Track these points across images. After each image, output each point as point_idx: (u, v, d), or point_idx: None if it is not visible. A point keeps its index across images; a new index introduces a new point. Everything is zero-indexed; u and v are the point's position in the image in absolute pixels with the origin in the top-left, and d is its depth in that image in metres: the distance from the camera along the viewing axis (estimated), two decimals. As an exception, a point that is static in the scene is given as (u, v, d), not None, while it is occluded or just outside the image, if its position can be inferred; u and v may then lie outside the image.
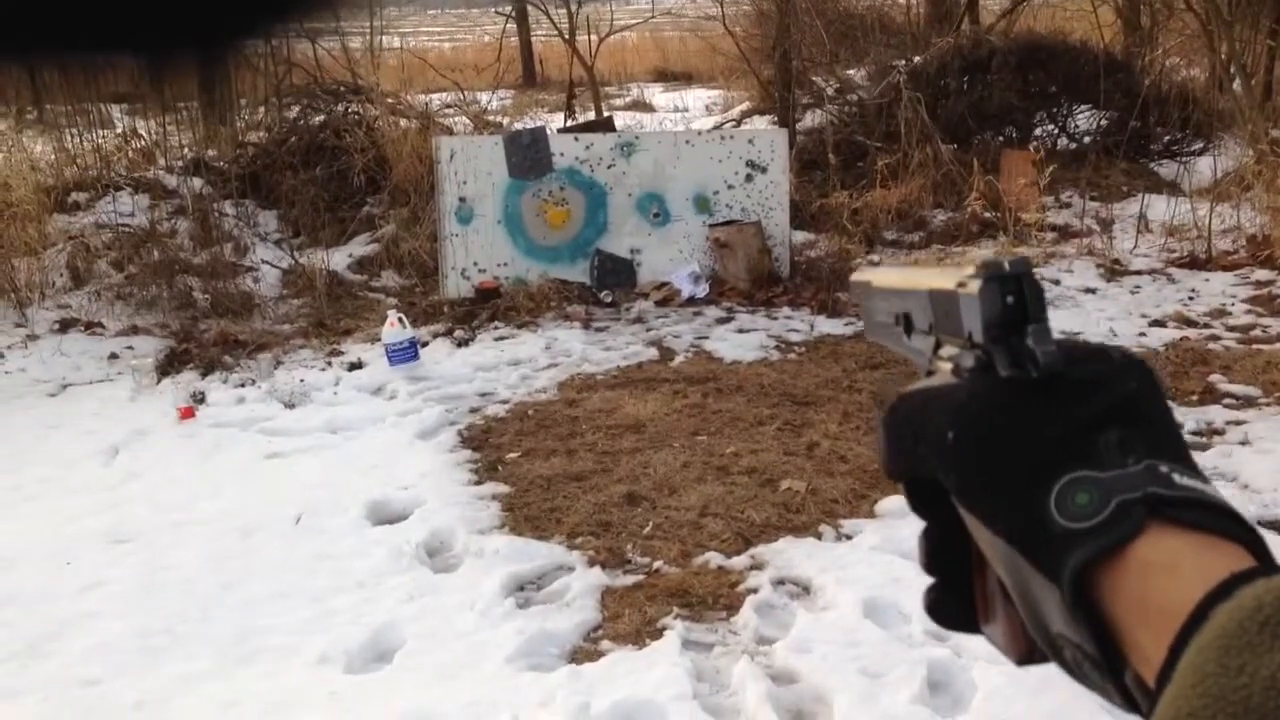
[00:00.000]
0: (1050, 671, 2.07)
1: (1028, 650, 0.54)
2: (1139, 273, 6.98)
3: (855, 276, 0.73)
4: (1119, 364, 0.52)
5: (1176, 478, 0.48)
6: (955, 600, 0.58)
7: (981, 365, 0.53)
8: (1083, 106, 9.82)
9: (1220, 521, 0.47)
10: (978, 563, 0.56)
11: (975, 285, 0.52)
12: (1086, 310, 6.21)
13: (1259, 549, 0.47)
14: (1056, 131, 9.90)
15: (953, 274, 0.56)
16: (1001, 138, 9.58)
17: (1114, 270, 6.98)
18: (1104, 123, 9.66)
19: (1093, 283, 6.76)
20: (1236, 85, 9.87)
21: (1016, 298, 0.51)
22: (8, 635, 3.26)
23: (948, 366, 0.57)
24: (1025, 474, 0.49)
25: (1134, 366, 0.52)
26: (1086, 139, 9.68)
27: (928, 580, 0.59)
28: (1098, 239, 7.53)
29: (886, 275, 0.69)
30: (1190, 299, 6.41)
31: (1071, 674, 0.50)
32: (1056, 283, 6.73)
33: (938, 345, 0.60)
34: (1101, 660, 0.47)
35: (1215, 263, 7.04)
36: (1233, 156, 8.90)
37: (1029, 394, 0.51)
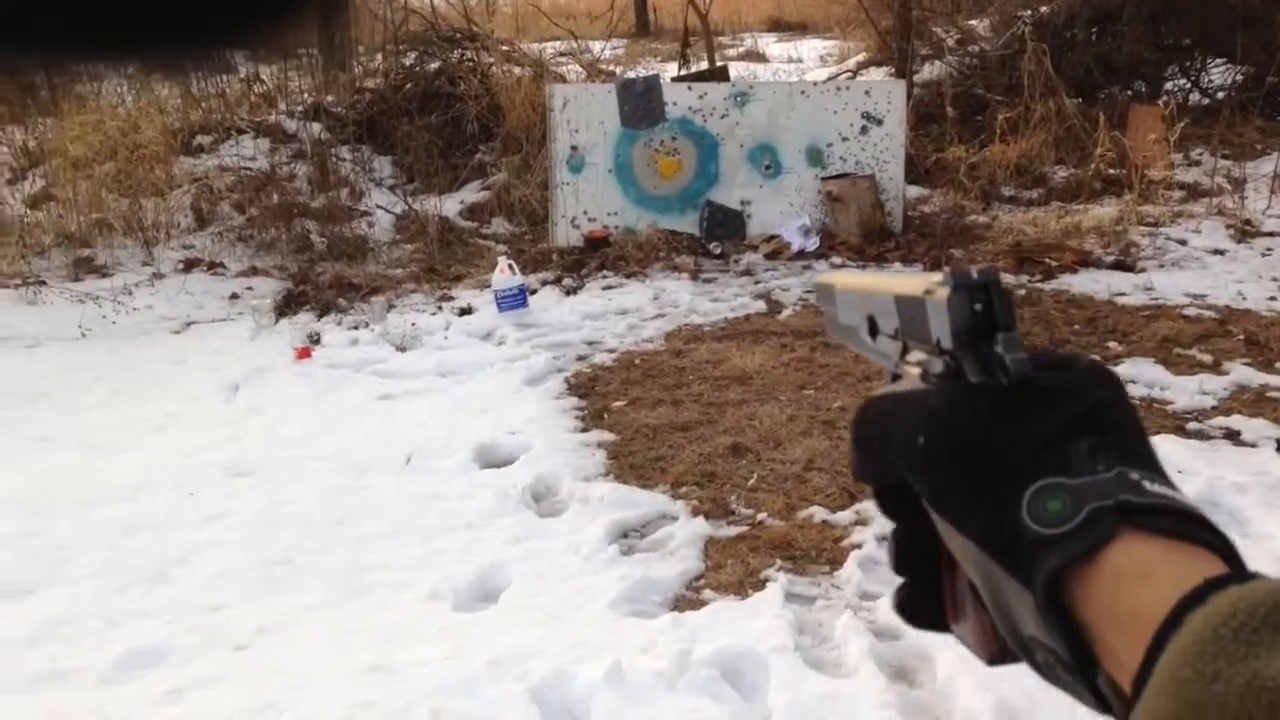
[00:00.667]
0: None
1: (998, 651, 0.55)
2: (1272, 234, 6.69)
3: (819, 279, 0.74)
4: (1087, 372, 0.52)
5: (1147, 485, 0.48)
6: (925, 600, 0.58)
7: (950, 371, 0.53)
8: (1217, 60, 9.43)
9: (1191, 528, 0.47)
10: (948, 564, 0.56)
11: (943, 293, 0.53)
12: (1214, 272, 5.99)
13: (1230, 555, 0.47)
14: (1189, 86, 9.52)
15: (919, 281, 0.56)
16: (1130, 92, 9.25)
17: (1245, 231, 6.70)
18: (1239, 77, 9.25)
19: (1221, 244, 6.51)
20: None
21: (985, 305, 0.51)
22: (137, 560, 3.41)
23: (915, 371, 0.57)
24: (997, 480, 0.49)
25: (1102, 375, 0.53)
26: (1220, 94, 9.28)
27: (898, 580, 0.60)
28: (1228, 198, 7.24)
29: (851, 279, 0.69)
30: (1324, 264, 6.13)
31: (1043, 675, 0.51)
32: (1183, 243, 6.50)
33: (905, 349, 0.60)
34: (1074, 664, 0.47)
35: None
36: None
37: (1000, 401, 0.51)
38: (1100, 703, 0.48)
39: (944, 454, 0.52)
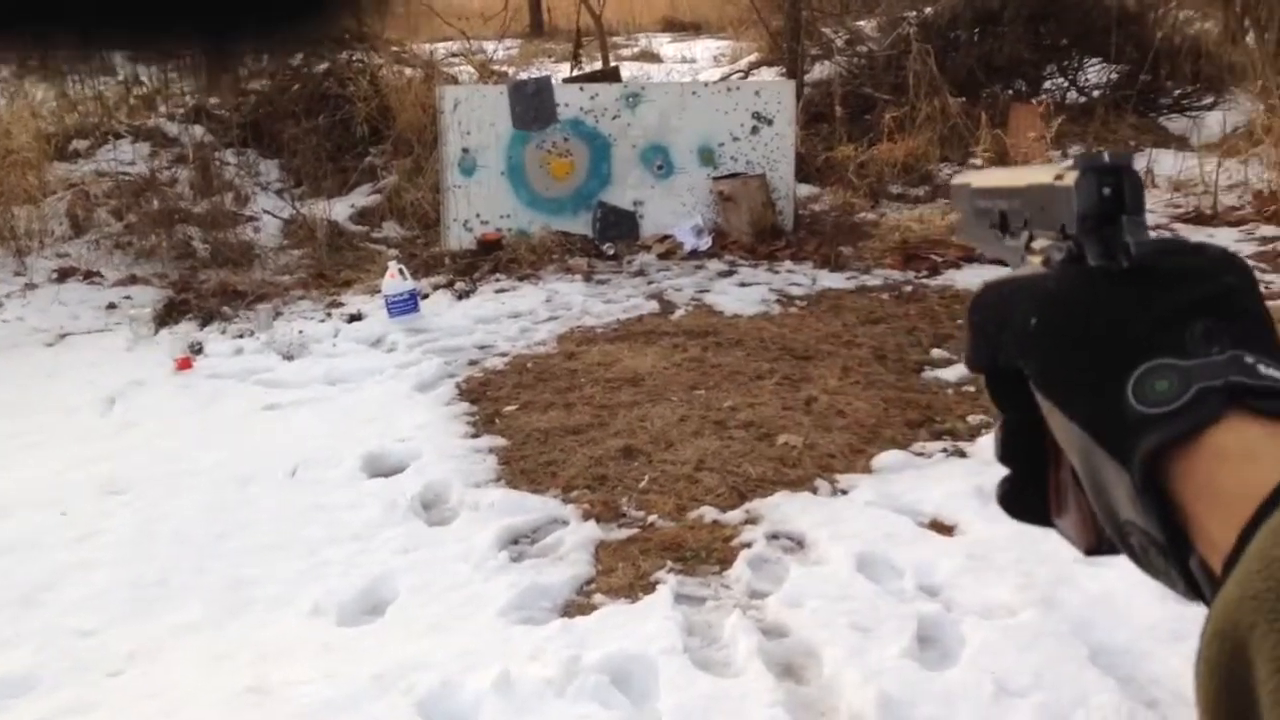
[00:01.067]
0: (1040, 626, 2.08)
1: (1096, 541, 0.55)
2: (1145, 227, 6.90)
3: (956, 180, 0.72)
4: (1214, 258, 0.51)
5: (1262, 368, 0.47)
6: (1027, 493, 0.58)
7: (1072, 256, 0.53)
8: (1093, 60, 9.71)
9: None
10: (1053, 456, 0.56)
11: (1072, 177, 0.52)
12: (1092, 266, 6.16)
13: None
14: (1066, 85, 9.79)
15: (1051, 169, 0.55)
16: (1010, 91, 9.47)
17: (1120, 226, 6.90)
18: (1114, 76, 9.55)
19: (1099, 238, 6.70)
20: (1250, 38, 9.73)
21: (1114, 190, 0.51)
22: (3, 584, 3.27)
23: (1038, 260, 0.57)
24: (1106, 361, 0.49)
25: (1230, 262, 0.51)
26: (1096, 93, 9.56)
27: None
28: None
29: (986, 176, 0.68)
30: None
31: (1137, 562, 0.50)
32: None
33: (1030, 240, 0.59)
34: (1168, 546, 0.47)
35: (1221, 218, 6.97)
36: (1243, 111, 8.79)
37: (1117, 283, 0.50)
38: (1192, 588, 0.47)
39: (1055, 334, 0.51)
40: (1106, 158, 0.52)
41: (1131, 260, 0.50)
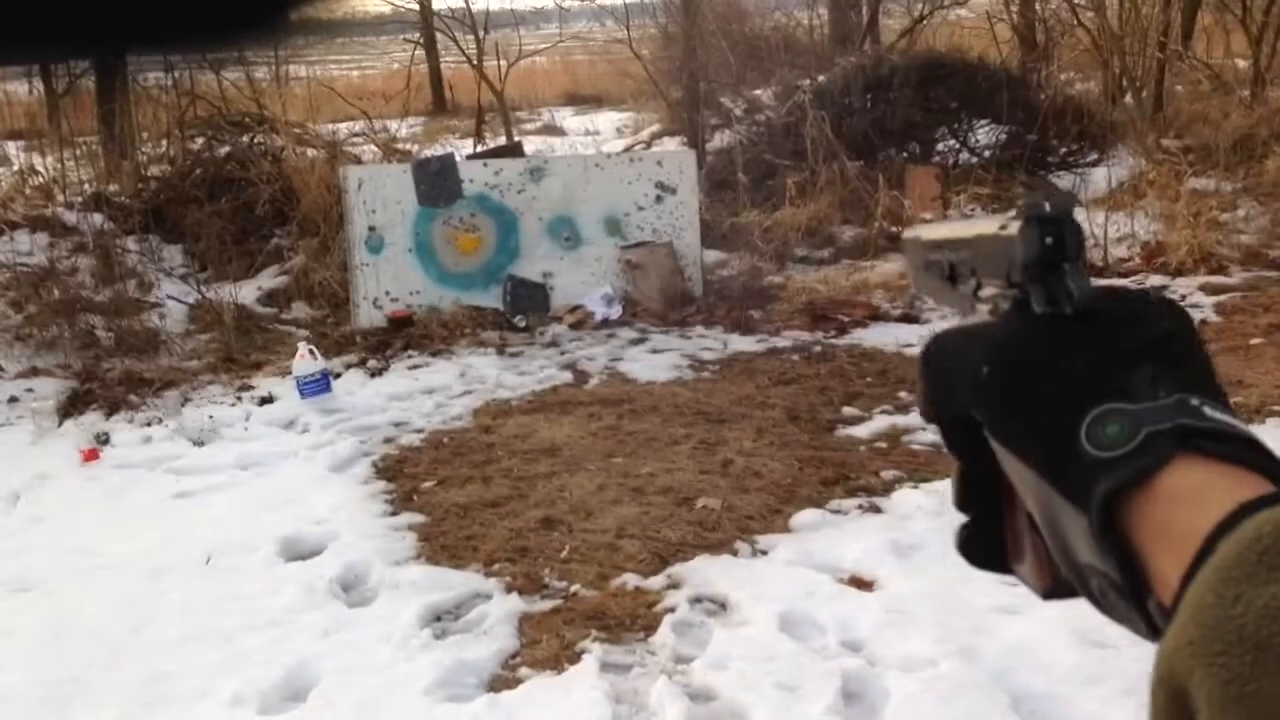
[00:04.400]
0: (962, 677, 2.13)
1: (1053, 584, 0.56)
2: (1040, 281, 7.15)
3: (907, 233, 0.73)
4: (1155, 304, 0.53)
5: (1207, 410, 0.48)
6: (986, 539, 0.59)
7: (1018, 304, 0.54)
8: (982, 121, 10.07)
9: (1249, 454, 0.47)
10: (1009, 501, 0.57)
11: (1016, 227, 0.53)
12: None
13: None
14: (958, 146, 10.13)
15: (997, 220, 0.56)
16: (905, 154, 9.78)
17: (1015, 280, 7.13)
18: (1003, 137, 9.91)
19: (996, 293, 6.91)
20: (1129, 98, 10.21)
21: (1056, 238, 0.52)
22: (-96, 692, 3.15)
23: (986, 308, 0.58)
24: (1057, 406, 0.50)
25: (1169, 307, 0.53)
26: (987, 153, 9.91)
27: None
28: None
29: (935, 229, 0.69)
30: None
31: (1097, 605, 0.51)
32: (961, 294, 6.87)
33: (978, 288, 0.61)
34: (1126, 588, 0.48)
35: (1111, 270, 7.25)
36: (1126, 167, 9.19)
37: (1063, 329, 0.52)
38: (1151, 629, 0.48)
39: (1006, 382, 0.52)
40: (1048, 207, 0.53)
41: (1075, 305, 0.51)
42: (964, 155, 10.03)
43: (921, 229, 0.71)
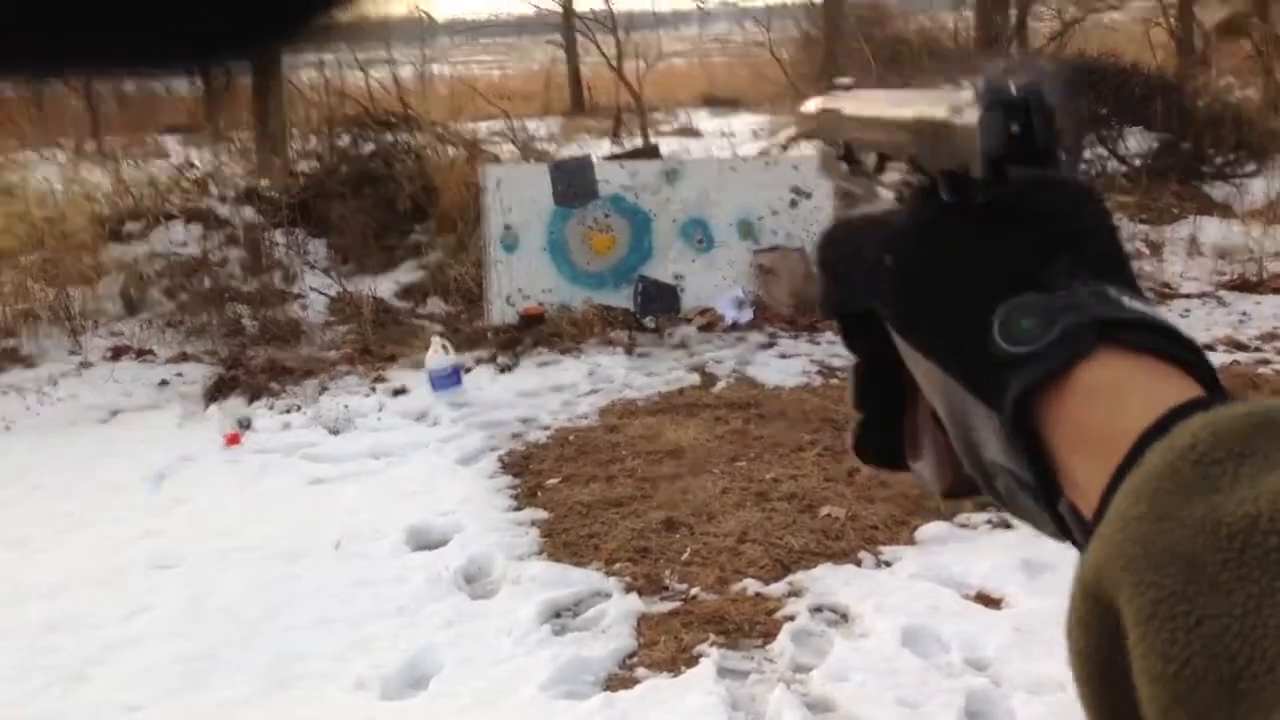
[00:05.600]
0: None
1: (954, 480, 0.52)
2: (1189, 296, 6.87)
3: (818, 101, 0.63)
4: (1071, 194, 0.48)
5: (1126, 301, 0.45)
6: (883, 437, 0.56)
7: (925, 191, 0.49)
8: (1133, 128, 9.72)
9: (1170, 345, 0.44)
10: (908, 398, 0.54)
11: (974, 114, 0.45)
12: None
13: (1208, 375, 0.44)
14: (1107, 155, 9.79)
15: (944, 98, 0.48)
16: (1051, 160, 9.49)
17: (1163, 294, 6.87)
18: (1155, 145, 9.55)
19: (1142, 306, 6.67)
20: (1291, 105, 9.72)
21: (1023, 126, 0.45)
22: (55, 660, 3.31)
23: (890, 194, 0.53)
24: (967, 300, 0.47)
25: (1087, 196, 0.49)
26: (1137, 161, 9.56)
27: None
28: (1147, 262, 7.42)
29: (863, 101, 0.60)
30: (1241, 322, 6.30)
31: (1003, 504, 0.48)
32: (1105, 306, 6.65)
33: (879, 170, 0.55)
34: (1038, 488, 0.45)
35: (1267, 285, 6.92)
36: (1287, 178, 8.75)
37: (974, 219, 0.47)
38: (1061, 529, 0.46)
39: (912, 273, 0.49)
40: (1014, 88, 0.45)
41: (987, 195, 0.46)
42: (1112, 163, 9.69)
43: (843, 98, 0.61)
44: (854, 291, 0.52)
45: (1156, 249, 7.64)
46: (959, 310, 0.47)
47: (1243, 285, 6.97)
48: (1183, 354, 0.44)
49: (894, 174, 0.53)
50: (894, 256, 0.49)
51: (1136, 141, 9.74)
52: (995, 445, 0.46)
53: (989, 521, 3.90)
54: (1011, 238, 0.47)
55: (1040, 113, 0.45)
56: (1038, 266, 0.46)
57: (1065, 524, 0.45)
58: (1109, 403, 0.43)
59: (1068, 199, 0.48)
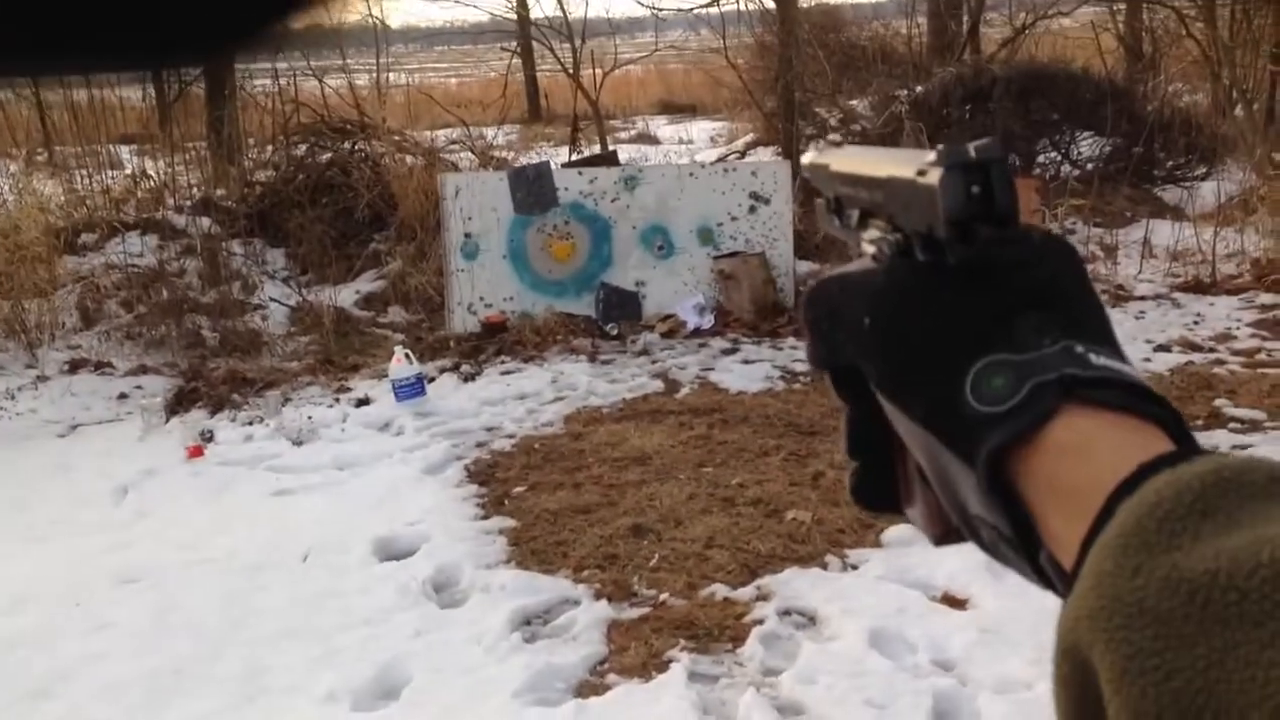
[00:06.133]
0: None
1: (944, 531, 0.54)
2: (1143, 298, 6.99)
3: (814, 157, 0.66)
4: (1036, 246, 0.50)
5: (1093, 358, 0.47)
6: (878, 483, 0.58)
7: (900, 250, 0.51)
8: (1085, 133, 9.88)
9: (1137, 401, 0.46)
10: (898, 447, 0.55)
11: (936, 174, 0.47)
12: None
13: (1177, 429, 0.46)
14: (1059, 159, 9.94)
15: (914, 159, 0.51)
16: (1004, 165, 9.61)
17: (1118, 296, 6.99)
18: (1107, 149, 9.71)
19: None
20: (1239, 111, 9.91)
21: (983, 189, 0.47)
22: (18, 676, 3.27)
23: (870, 250, 0.55)
24: (941, 360, 0.49)
25: (1053, 246, 0.50)
26: (1089, 165, 9.71)
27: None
28: (1102, 265, 7.54)
29: (847, 158, 0.61)
30: (1195, 323, 6.41)
31: (989, 552, 0.50)
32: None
33: (861, 225, 0.57)
34: (1017, 541, 0.47)
35: (1219, 287, 7.05)
36: (1236, 181, 8.93)
37: (945, 279, 0.49)
38: (1043, 579, 0.47)
39: (888, 335, 0.51)
40: (972, 151, 0.47)
41: (958, 256, 0.48)
42: (1065, 167, 9.84)
43: (831, 155, 0.64)
44: (838, 350, 0.54)
45: (1111, 252, 7.76)
46: (933, 370, 0.49)
47: (1196, 287, 7.10)
48: (1150, 409, 0.46)
49: (874, 230, 0.55)
50: (871, 318, 0.51)
51: (1088, 146, 9.90)
52: (975, 500, 0.48)
53: (952, 523, 3.95)
54: (980, 297, 0.49)
55: (1000, 173, 0.47)
56: (1007, 324, 0.48)
57: (1048, 575, 0.47)
58: (1078, 460, 0.44)
59: (1033, 254, 0.49)
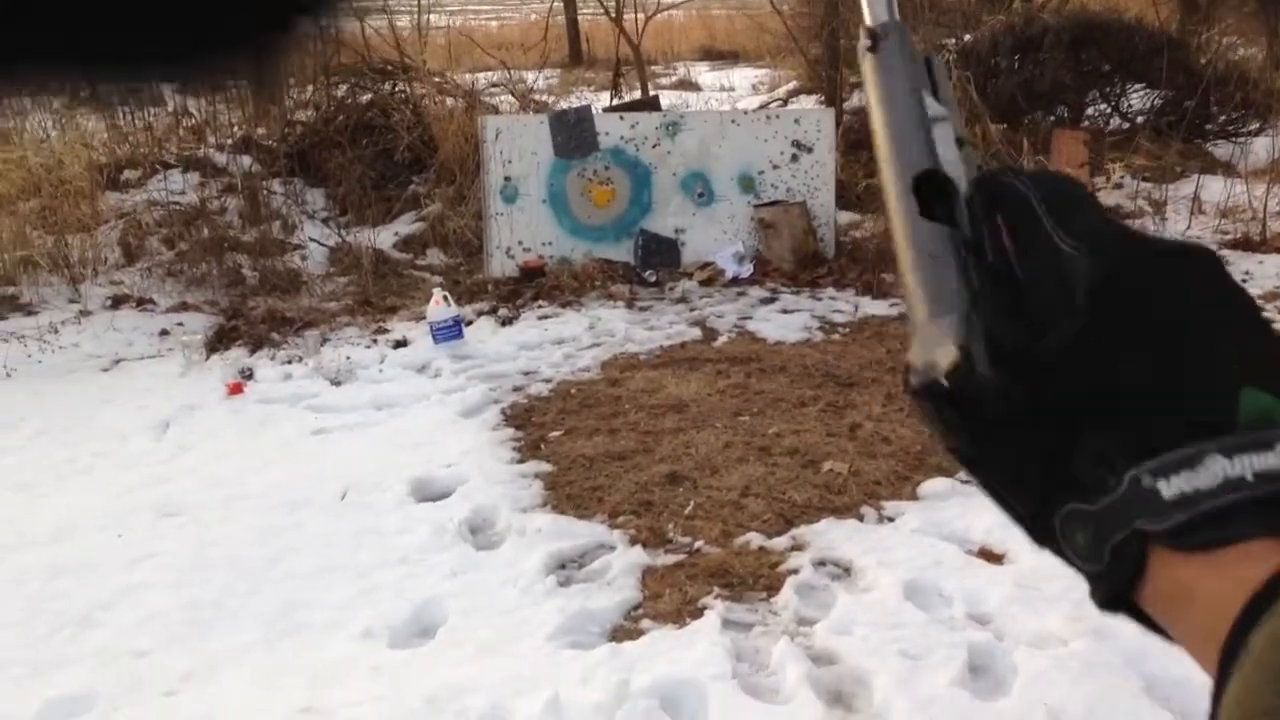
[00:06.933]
0: (1094, 657, 2.07)
1: None
2: (1192, 255, 6.86)
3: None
4: (1082, 307, 0.46)
5: (1164, 489, 0.42)
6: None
7: (960, 367, 0.48)
8: (1136, 85, 9.67)
9: (1227, 527, 0.42)
10: None
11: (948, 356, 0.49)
12: (1137, 293, 6.13)
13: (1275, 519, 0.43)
14: (1109, 111, 9.75)
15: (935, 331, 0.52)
16: (1053, 117, 9.45)
17: (1166, 253, 6.86)
18: (1158, 102, 9.51)
19: (1144, 265, 6.66)
20: (1295, 64, 9.66)
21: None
22: (62, 605, 3.33)
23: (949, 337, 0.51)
24: (1025, 500, 0.47)
25: (1104, 296, 0.46)
26: (1140, 118, 9.52)
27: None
28: (1150, 220, 7.41)
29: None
30: (1244, 281, 6.24)
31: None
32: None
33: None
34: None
35: (1270, 244, 6.92)
36: (1290, 137, 8.71)
37: (1004, 398, 0.46)
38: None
39: (972, 465, 0.49)
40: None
41: (1009, 364, 0.46)
42: (1115, 120, 9.65)
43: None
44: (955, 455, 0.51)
45: (1159, 207, 7.63)
46: (1022, 510, 0.48)
47: (1245, 244, 6.96)
48: (1244, 529, 0.42)
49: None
50: (947, 448, 0.50)
51: (1139, 99, 9.69)
52: None
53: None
54: (1034, 426, 0.46)
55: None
56: (1066, 459, 0.45)
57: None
58: (1183, 606, 0.43)
59: (1081, 326, 0.46)
